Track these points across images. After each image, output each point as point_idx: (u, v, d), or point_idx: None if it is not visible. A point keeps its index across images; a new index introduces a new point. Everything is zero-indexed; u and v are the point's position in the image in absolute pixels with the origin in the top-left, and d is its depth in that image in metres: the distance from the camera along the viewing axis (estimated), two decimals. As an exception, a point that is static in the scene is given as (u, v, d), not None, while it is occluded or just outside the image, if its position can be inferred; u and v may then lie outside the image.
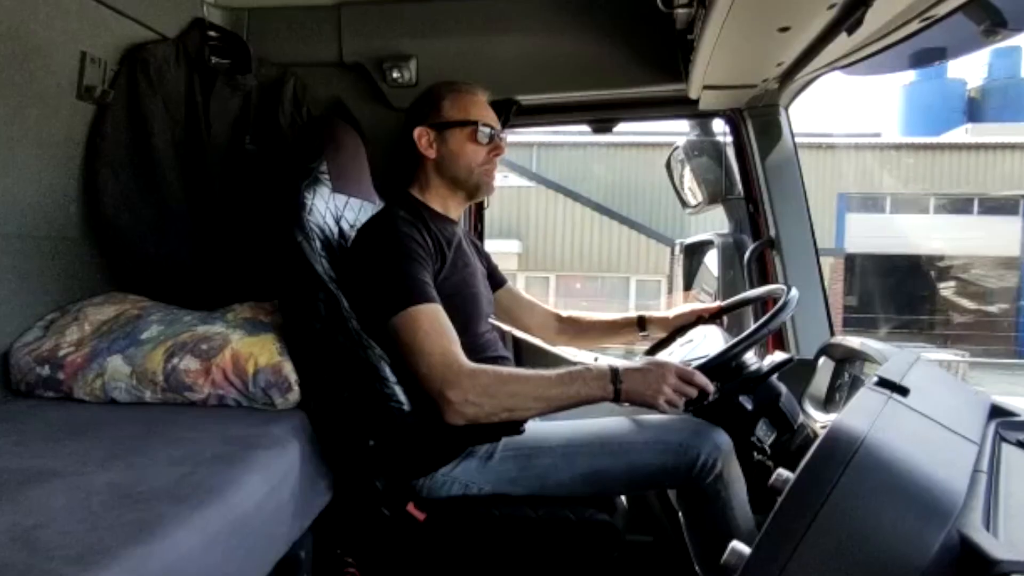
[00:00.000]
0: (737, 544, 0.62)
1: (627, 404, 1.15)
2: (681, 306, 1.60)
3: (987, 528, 0.55)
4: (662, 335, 1.56)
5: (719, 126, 1.89)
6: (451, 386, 1.10)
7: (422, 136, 1.33)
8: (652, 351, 1.53)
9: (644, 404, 1.14)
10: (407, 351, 1.14)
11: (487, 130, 1.32)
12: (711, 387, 1.14)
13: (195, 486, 0.82)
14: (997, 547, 0.51)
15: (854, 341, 1.56)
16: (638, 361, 1.18)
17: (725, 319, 1.60)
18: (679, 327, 1.55)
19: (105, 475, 0.84)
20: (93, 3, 1.34)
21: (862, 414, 0.62)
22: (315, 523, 1.11)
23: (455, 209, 1.38)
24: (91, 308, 1.31)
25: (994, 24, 1.25)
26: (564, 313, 1.64)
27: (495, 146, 1.33)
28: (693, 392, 1.13)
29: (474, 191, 1.36)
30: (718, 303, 1.57)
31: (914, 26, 1.20)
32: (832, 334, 1.74)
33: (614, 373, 1.13)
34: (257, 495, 0.89)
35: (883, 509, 0.52)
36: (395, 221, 1.24)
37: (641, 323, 1.57)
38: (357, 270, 1.23)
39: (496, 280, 1.56)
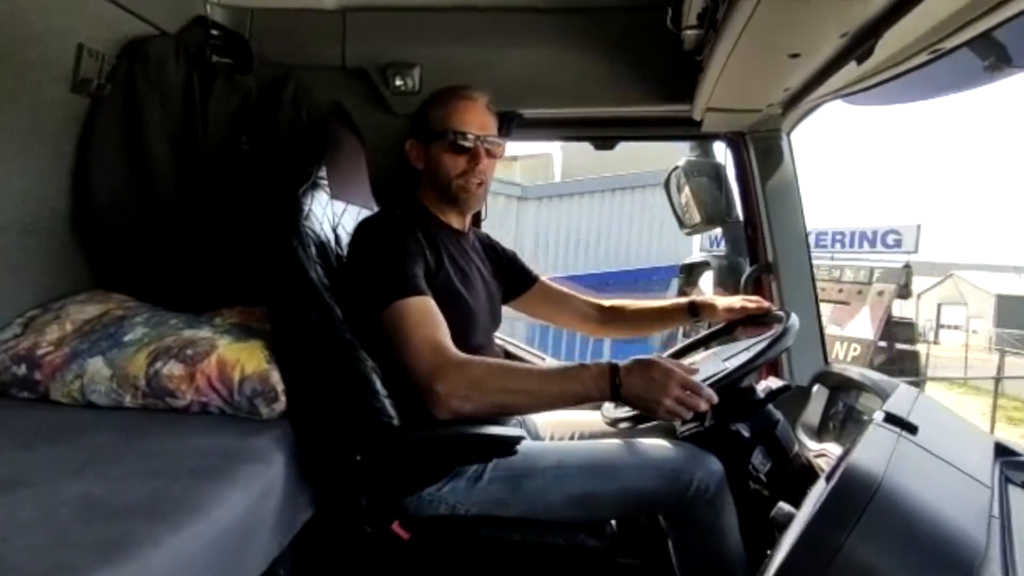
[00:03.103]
0: None
1: (625, 407, 1.11)
2: (731, 298, 1.52)
3: None
4: (716, 321, 1.51)
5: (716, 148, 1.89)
6: (440, 379, 1.07)
7: (412, 149, 1.34)
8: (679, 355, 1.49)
9: (643, 409, 1.08)
10: (396, 344, 1.11)
11: (463, 141, 1.27)
12: (715, 400, 1.06)
13: (171, 501, 0.78)
14: None
15: (851, 370, 1.55)
16: (645, 363, 1.08)
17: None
18: (729, 321, 1.49)
19: (77, 486, 0.79)
20: None
21: (875, 454, 0.60)
22: (296, 539, 1.07)
23: (455, 219, 1.36)
24: (74, 306, 1.27)
25: (999, 60, 1.26)
26: (607, 303, 1.60)
27: (473, 155, 1.28)
28: (699, 404, 1.05)
29: (454, 202, 1.31)
30: (768, 304, 1.48)
31: (922, 58, 1.20)
32: (827, 362, 1.73)
33: (614, 371, 1.07)
34: (236, 512, 0.85)
35: (902, 558, 0.49)
36: (391, 218, 1.24)
37: (692, 309, 1.53)
38: (351, 267, 1.22)
39: (527, 278, 1.53)
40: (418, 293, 1.14)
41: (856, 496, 0.52)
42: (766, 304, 1.47)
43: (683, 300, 1.57)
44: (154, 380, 1.12)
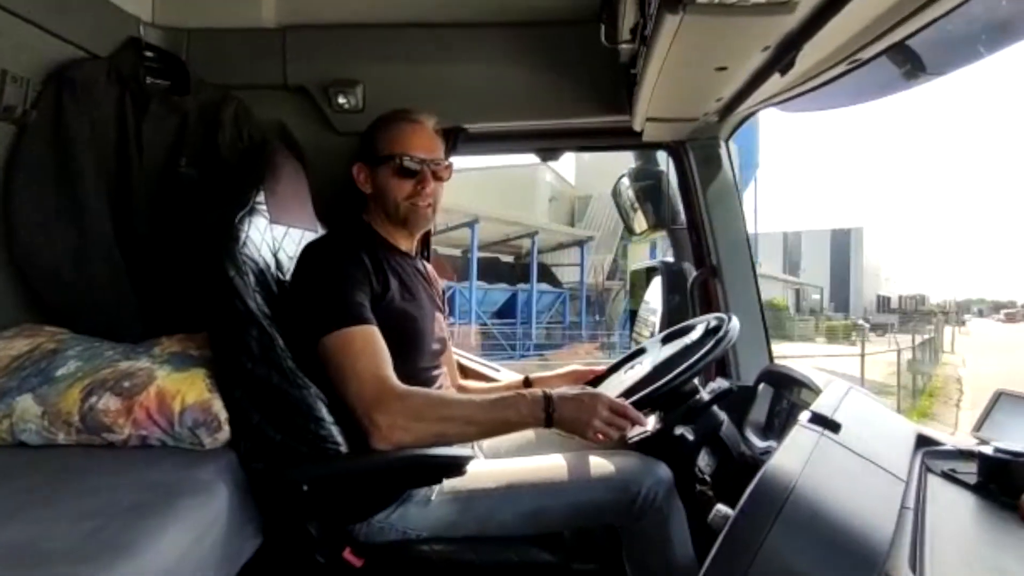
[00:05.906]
0: None
1: (559, 431, 1.15)
2: (569, 366, 1.59)
3: (913, 569, 0.56)
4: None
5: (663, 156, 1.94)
6: (380, 410, 1.07)
7: (360, 172, 1.33)
8: (595, 383, 1.51)
9: (575, 433, 1.15)
10: (336, 373, 1.11)
11: (410, 164, 1.29)
12: (643, 421, 1.15)
13: (104, 543, 0.76)
14: None
15: (792, 368, 1.60)
16: (575, 389, 1.17)
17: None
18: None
19: (4, 533, 0.76)
20: (19, 21, 1.27)
21: (794, 455, 0.63)
22: (244, 570, 1.05)
23: (403, 241, 1.36)
24: (1, 342, 1.22)
25: (914, 68, 1.33)
26: (461, 382, 1.58)
27: (421, 179, 1.29)
28: (625, 425, 1.14)
29: (404, 224, 1.32)
30: (602, 367, 1.53)
31: (842, 68, 1.26)
32: (771, 361, 1.78)
33: (547, 400, 1.13)
34: (179, 548, 0.83)
35: (814, 556, 0.52)
36: (337, 242, 1.23)
37: (527, 384, 1.53)
38: (294, 292, 1.20)
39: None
40: (361, 322, 1.13)
41: (772, 498, 0.54)
42: (598, 369, 1.51)
43: (520, 377, 1.57)
44: (89, 415, 1.09)
